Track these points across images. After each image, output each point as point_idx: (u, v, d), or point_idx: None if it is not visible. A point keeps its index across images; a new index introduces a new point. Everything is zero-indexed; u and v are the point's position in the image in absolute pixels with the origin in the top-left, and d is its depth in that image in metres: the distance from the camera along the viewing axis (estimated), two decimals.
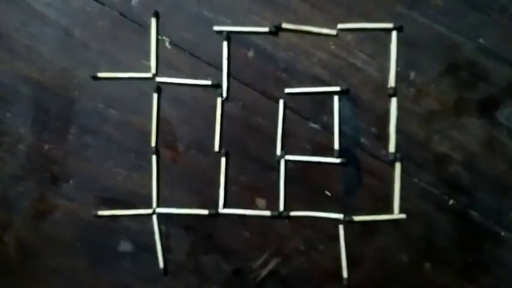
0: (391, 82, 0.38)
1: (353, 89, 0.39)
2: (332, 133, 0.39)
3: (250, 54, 0.39)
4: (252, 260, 0.40)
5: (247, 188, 0.39)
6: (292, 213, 0.39)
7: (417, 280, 0.39)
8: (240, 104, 0.39)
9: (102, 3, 0.40)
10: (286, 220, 0.39)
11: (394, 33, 0.38)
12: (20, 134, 0.41)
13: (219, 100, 0.39)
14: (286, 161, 0.39)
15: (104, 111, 0.40)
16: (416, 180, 0.39)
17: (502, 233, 0.38)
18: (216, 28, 0.39)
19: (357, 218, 0.38)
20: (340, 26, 0.38)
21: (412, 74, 0.38)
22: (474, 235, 0.38)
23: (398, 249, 0.39)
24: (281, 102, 0.39)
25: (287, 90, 0.39)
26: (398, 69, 0.38)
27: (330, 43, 0.39)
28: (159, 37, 0.39)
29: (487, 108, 0.38)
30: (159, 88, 0.40)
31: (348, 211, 0.39)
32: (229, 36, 0.39)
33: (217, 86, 0.39)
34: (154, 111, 0.39)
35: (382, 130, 0.39)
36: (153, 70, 0.39)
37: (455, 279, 0.39)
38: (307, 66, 0.39)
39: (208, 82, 0.39)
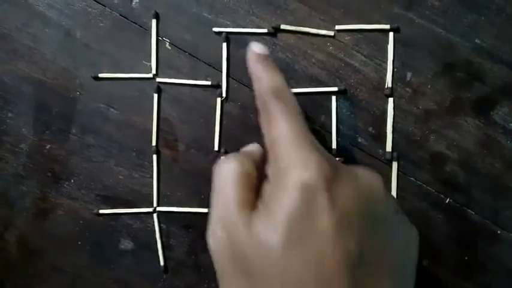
0: (388, 82, 0.38)
1: (350, 90, 0.39)
2: (330, 132, 0.39)
3: None
4: None
5: None
6: None
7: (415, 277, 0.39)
8: (239, 103, 0.40)
9: (103, 5, 0.40)
10: None
11: (391, 34, 0.38)
12: (22, 134, 0.41)
13: (218, 100, 0.39)
14: None
15: (105, 111, 0.40)
16: (413, 179, 0.39)
17: (498, 231, 0.39)
18: (216, 29, 0.39)
19: None
20: (337, 27, 0.38)
21: (409, 75, 0.38)
22: (471, 233, 0.39)
23: None
24: None
25: None
26: (395, 69, 0.38)
27: (328, 44, 0.39)
28: (160, 38, 0.40)
29: (483, 107, 0.38)
30: (159, 88, 0.40)
31: None
32: (228, 37, 0.39)
33: (217, 86, 0.39)
34: (155, 111, 0.40)
35: (379, 130, 0.39)
36: (154, 71, 0.40)
37: (453, 277, 0.39)
38: (305, 66, 0.39)
39: (208, 82, 0.39)
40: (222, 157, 0.23)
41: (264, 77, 0.25)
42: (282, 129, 0.22)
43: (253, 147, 0.29)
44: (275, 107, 0.23)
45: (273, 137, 0.22)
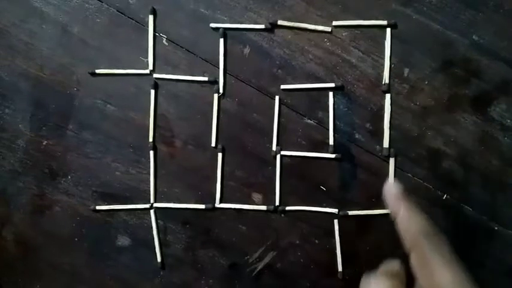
0: (385, 78, 0.38)
1: (348, 86, 0.39)
2: (327, 129, 0.39)
3: (247, 50, 0.39)
4: (249, 254, 0.40)
5: (244, 182, 0.40)
6: (288, 208, 0.39)
7: (412, 274, 0.39)
8: (237, 100, 0.40)
9: (100, 1, 0.40)
10: (282, 214, 0.40)
11: (388, 30, 0.38)
12: (19, 130, 0.41)
13: (215, 96, 0.39)
14: (282, 156, 0.39)
15: (102, 107, 0.40)
16: (410, 175, 0.39)
17: (496, 228, 0.39)
18: (213, 25, 0.39)
19: (351, 213, 0.39)
20: (335, 23, 0.38)
21: (406, 71, 0.38)
22: (468, 230, 0.39)
23: (392, 244, 0.39)
24: (277, 98, 0.39)
25: (283, 87, 0.39)
26: (393, 65, 0.38)
27: (325, 40, 0.39)
28: (157, 34, 0.40)
29: (480, 104, 0.38)
30: (156, 84, 0.40)
31: (343, 206, 0.39)
32: (225, 33, 0.39)
33: (214, 82, 0.39)
34: (152, 107, 0.40)
35: (377, 126, 0.39)
36: (151, 66, 0.40)
37: None
38: (303, 62, 0.39)
39: (205, 78, 0.39)
40: (367, 275, 0.25)
41: (410, 218, 0.26)
42: (445, 276, 0.23)
43: (394, 265, 0.30)
44: (430, 251, 0.24)
45: (437, 282, 0.23)
